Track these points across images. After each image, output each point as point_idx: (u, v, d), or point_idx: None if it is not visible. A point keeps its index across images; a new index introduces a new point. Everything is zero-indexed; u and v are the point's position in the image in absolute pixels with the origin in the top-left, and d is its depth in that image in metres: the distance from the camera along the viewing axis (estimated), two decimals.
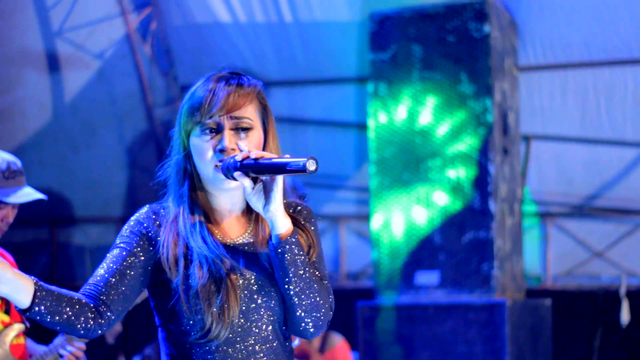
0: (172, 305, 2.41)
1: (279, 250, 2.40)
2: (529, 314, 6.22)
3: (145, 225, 2.47)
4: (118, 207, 7.85)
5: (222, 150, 2.41)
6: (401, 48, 6.23)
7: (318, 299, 2.44)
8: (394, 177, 6.20)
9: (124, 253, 2.44)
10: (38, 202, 3.89)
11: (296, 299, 2.42)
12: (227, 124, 2.42)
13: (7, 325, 3.72)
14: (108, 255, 2.47)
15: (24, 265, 7.82)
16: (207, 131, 2.42)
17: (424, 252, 6.12)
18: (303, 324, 2.46)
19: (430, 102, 6.16)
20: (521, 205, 6.63)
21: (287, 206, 2.52)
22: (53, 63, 7.31)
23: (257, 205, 2.40)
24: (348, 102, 7.27)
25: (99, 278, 2.42)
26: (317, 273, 2.46)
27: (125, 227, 2.50)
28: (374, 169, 6.28)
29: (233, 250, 2.46)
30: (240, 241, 2.48)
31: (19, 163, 3.88)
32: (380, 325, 6.06)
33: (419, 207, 6.15)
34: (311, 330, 2.48)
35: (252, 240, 2.49)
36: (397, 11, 6.28)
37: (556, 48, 6.65)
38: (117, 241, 2.48)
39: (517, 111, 6.59)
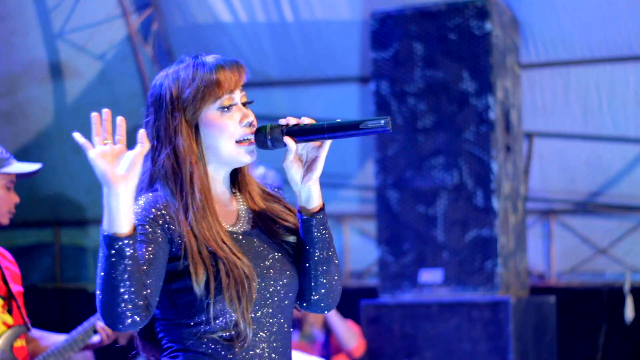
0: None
1: (322, 220, 2.41)
2: (533, 312, 6.22)
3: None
4: None
5: (250, 124, 2.40)
6: (403, 46, 6.23)
7: (335, 267, 2.47)
8: (396, 175, 6.20)
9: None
10: (41, 204, 3.87)
11: (321, 272, 2.43)
12: (240, 98, 2.42)
13: (9, 327, 3.70)
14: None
15: (28, 266, 7.85)
16: (226, 107, 2.39)
17: (427, 250, 6.11)
18: (321, 296, 2.45)
19: (432, 100, 6.16)
20: (524, 203, 6.63)
21: (263, 187, 2.53)
22: (54, 65, 7.31)
23: (296, 175, 2.39)
24: (350, 101, 7.26)
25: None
26: None
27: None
28: (376, 167, 6.28)
29: (239, 239, 2.41)
30: (240, 229, 2.43)
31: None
32: (384, 324, 6.06)
33: (421, 205, 6.14)
34: (326, 303, 2.48)
35: (249, 228, 2.44)
36: (399, 9, 6.28)
37: (558, 45, 6.65)
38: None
39: (519, 108, 6.59)
